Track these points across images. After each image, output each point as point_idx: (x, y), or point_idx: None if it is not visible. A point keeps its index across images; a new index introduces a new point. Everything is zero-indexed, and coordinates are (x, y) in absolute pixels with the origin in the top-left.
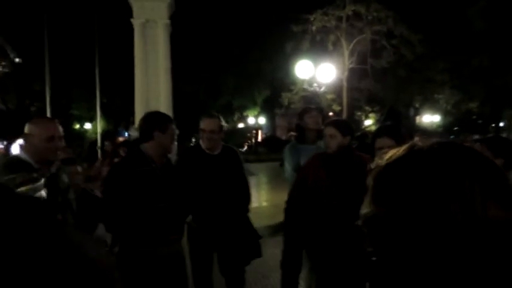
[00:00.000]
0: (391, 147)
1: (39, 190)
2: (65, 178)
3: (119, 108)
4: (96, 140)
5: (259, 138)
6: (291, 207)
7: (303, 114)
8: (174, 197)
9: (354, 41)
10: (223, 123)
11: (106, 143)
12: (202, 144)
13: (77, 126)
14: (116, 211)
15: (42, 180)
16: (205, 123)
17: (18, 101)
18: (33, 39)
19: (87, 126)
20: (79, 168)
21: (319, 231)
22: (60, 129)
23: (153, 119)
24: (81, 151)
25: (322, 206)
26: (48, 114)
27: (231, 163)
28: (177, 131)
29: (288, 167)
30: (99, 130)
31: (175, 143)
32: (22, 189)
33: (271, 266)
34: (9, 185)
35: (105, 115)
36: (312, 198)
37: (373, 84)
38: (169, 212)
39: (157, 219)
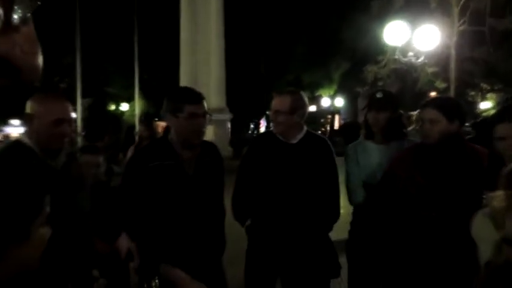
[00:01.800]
0: None
1: None
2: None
3: (162, 86)
4: (134, 124)
5: (336, 125)
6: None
7: (366, 107)
8: (207, 202)
9: None
10: (303, 101)
11: (141, 127)
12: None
13: (113, 107)
14: (132, 215)
15: None
16: (273, 102)
17: (45, 77)
18: (62, 3)
19: (124, 107)
20: (100, 159)
21: (407, 255)
22: (71, 110)
23: (169, 97)
24: (118, 137)
25: (416, 219)
26: (79, 93)
27: (314, 158)
28: (208, 116)
29: (350, 176)
30: (137, 112)
31: (228, 130)
32: None
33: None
34: None
35: (145, 94)
36: (402, 207)
37: (492, 52)
38: (201, 221)
39: (185, 229)
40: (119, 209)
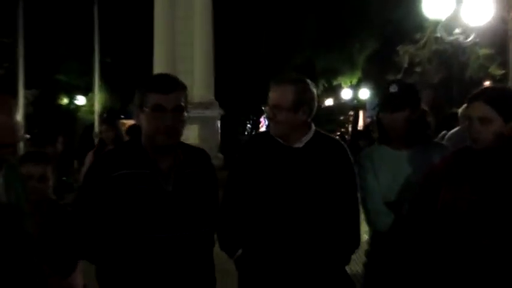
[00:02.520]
0: None
1: None
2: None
3: (130, 73)
4: (92, 123)
5: (360, 124)
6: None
7: (378, 105)
8: (190, 227)
9: None
10: (310, 92)
11: (102, 127)
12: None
13: (65, 100)
14: (90, 239)
15: None
16: (270, 94)
17: None
18: None
19: (81, 100)
20: (47, 170)
21: None
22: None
23: (138, 86)
24: (71, 140)
25: (462, 249)
26: (21, 82)
27: (326, 166)
28: (184, 113)
29: (371, 194)
30: (97, 107)
31: (217, 131)
32: None
33: None
34: None
35: (108, 84)
36: (443, 232)
37: None
38: (183, 252)
39: (162, 261)
40: (74, 233)
